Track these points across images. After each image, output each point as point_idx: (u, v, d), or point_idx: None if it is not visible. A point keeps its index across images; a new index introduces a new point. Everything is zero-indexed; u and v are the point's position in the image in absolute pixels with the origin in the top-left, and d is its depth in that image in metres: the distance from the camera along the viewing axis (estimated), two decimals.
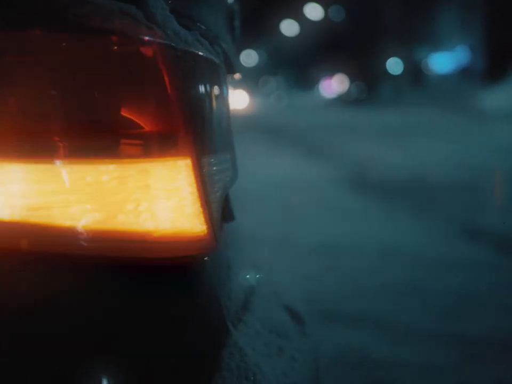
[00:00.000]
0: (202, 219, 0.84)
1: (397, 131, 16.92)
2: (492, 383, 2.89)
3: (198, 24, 1.02)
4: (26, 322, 0.77)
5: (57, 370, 0.77)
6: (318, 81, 60.63)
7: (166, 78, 0.80)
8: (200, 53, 0.90)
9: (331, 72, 58.58)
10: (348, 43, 53.06)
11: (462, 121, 20.38)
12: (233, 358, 0.86)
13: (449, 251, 5.05)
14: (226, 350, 0.86)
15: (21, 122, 0.76)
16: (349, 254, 4.95)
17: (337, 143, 14.40)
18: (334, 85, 58.79)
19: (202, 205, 0.83)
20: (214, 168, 0.90)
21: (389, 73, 49.66)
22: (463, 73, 38.98)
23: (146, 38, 0.80)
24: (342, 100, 48.57)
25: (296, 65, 63.40)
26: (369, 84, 50.06)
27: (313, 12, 60.48)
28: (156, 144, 0.81)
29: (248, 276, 1.17)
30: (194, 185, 0.83)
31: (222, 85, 0.98)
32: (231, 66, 1.16)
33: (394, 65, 49.88)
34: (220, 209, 0.92)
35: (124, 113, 0.79)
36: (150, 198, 0.81)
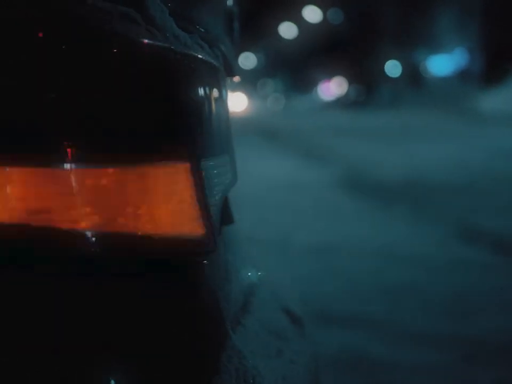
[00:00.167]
0: (202, 222, 0.83)
1: (395, 133, 16.94)
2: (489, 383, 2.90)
3: (197, 26, 1.02)
4: (26, 325, 0.77)
5: (55, 371, 0.77)
6: (316, 84, 60.66)
7: (165, 81, 0.80)
8: (199, 56, 0.90)
9: (329, 75, 58.63)
10: (347, 46, 53.09)
11: (460, 123, 20.40)
12: (232, 361, 0.86)
13: (447, 252, 5.06)
14: (225, 352, 0.86)
15: (20, 124, 0.76)
16: (347, 256, 4.95)
17: (336, 146, 14.41)
18: (332, 88, 58.83)
19: (201, 208, 0.83)
20: (214, 171, 0.89)
21: (387, 76, 49.70)
22: (461, 76, 39.02)
23: (146, 40, 0.80)
24: (341, 103, 48.62)
25: (295, 68, 63.41)
26: (367, 86, 50.10)
27: (312, 14, 60.53)
28: (154, 147, 0.81)
29: (246, 278, 1.17)
30: (194, 188, 0.83)
31: (221, 88, 0.98)
32: (230, 69, 1.16)
33: (392, 67, 49.92)
34: (219, 212, 0.92)
35: (123, 116, 0.79)
36: (149, 201, 0.81)
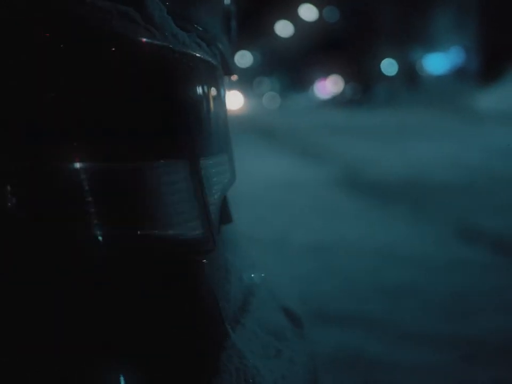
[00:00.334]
0: (201, 221, 0.83)
1: (392, 132, 16.93)
2: None
3: (195, 25, 1.01)
4: (28, 323, 0.77)
5: (57, 371, 0.77)
6: (312, 82, 60.65)
7: (164, 80, 0.80)
8: (198, 55, 0.90)
9: (325, 73, 58.62)
10: (343, 44, 53.09)
11: (456, 121, 20.41)
12: (232, 360, 0.86)
13: (446, 251, 5.05)
14: (225, 352, 0.86)
15: (20, 124, 0.76)
16: (345, 255, 4.95)
17: (332, 144, 14.41)
18: (328, 86, 58.84)
19: (200, 207, 0.83)
20: (212, 170, 0.89)
21: (383, 74, 49.70)
22: (458, 74, 39.03)
23: (145, 39, 0.80)
24: (337, 101, 48.61)
25: (291, 66, 63.40)
26: (363, 84, 50.11)
27: (308, 12, 60.52)
28: (153, 146, 0.80)
29: (245, 277, 1.17)
30: (192, 187, 0.83)
31: (219, 86, 0.98)
32: (228, 67, 1.16)
33: (388, 66, 49.93)
34: (218, 211, 0.92)
35: (121, 115, 0.79)
36: (148, 200, 0.81)
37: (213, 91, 0.93)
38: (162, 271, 0.83)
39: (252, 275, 1.23)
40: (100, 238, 0.79)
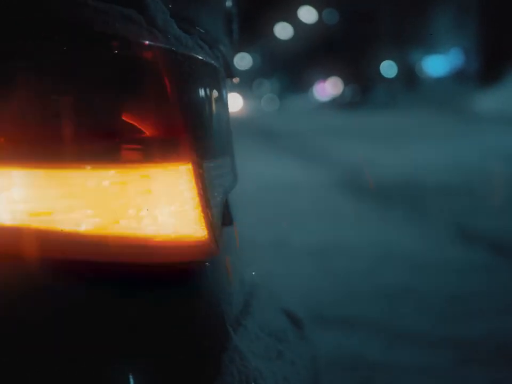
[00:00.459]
0: (203, 224, 0.83)
1: (391, 134, 16.93)
2: None
3: (197, 27, 1.02)
4: (28, 326, 0.77)
5: (60, 372, 0.77)
6: (312, 84, 60.64)
7: (167, 83, 0.80)
8: (200, 57, 0.90)
9: (325, 75, 58.60)
10: (342, 46, 53.08)
11: (456, 123, 20.40)
12: (234, 362, 0.86)
13: (443, 254, 5.05)
14: (227, 354, 0.86)
15: (23, 127, 0.76)
16: (343, 257, 4.95)
17: (331, 146, 14.40)
18: (328, 88, 58.82)
19: (203, 210, 0.83)
20: (215, 172, 0.89)
21: (383, 76, 49.70)
22: (457, 76, 39.03)
23: (148, 42, 0.80)
24: (336, 103, 48.60)
25: (290, 68, 63.38)
26: (363, 86, 50.10)
27: (307, 15, 60.52)
28: (157, 149, 0.80)
29: (246, 279, 1.17)
30: (195, 190, 0.83)
31: (221, 89, 0.98)
32: (230, 70, 1.16)
33: (388, 68, 49.93)
34: (220, 213, 0.92)
35: (125, 118, 0.79)
36: (151, 203, 0.81)
37: (216, 94, 0.93)
38: (166, 273, 0.83)
39: (253, 277, 1.23)
40: (102, 239, 0.79)
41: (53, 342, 0.78)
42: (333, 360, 3.01)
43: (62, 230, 0.78)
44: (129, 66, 0.79)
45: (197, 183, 0.83)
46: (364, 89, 49.62)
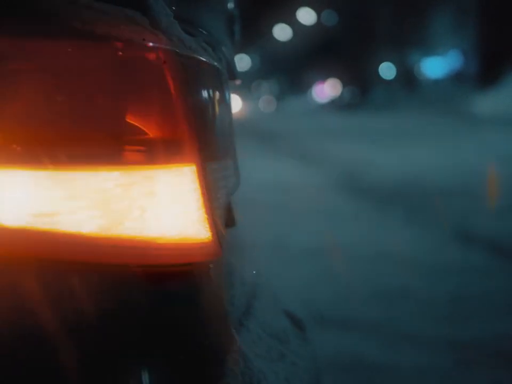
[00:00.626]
0: (207, 225, 0.83)
1: (390, 136, 16.93)
2: None
3: (200, 29, 1.02)
4: (31, 327, 0.77)
5: (63, 371, 0.77)
6: (310, 86, 60.64)
7: (170, 85, 0.80)
8: (204, 59, 0.90)
9: (324, 77, 58.61)
10: (341, 48, 53.08)
11: (454, 125, 20.41)
12: (237, 364, 0.86)
13: (442, 256, 5.06)
14: (231, 355, 0.86)
15: (27, 129, 0.76)
16: (343, 259, 4.95)
17: (330, 148, 14.40)
18: (326, 90, 58.82)
19: (207, 211, 0.83)
20: (218, 174, 0.90)
21: (381, 78, 49.72)
22: (456, 78, 39.05)
23: (152, 44, 0.80)
24: (335, 105, 48.62)
25: (289, 70, 63.38)
26: (362, 88, 50.12)
27: (306, 16, 60.51)
28: (160, 150, 0.81)
29: (248, 281, 1.17)
30: (199, 191, 0.83)
31: (224, 91, 0.98)
32: (232, 72, 1.16)
33: (386, 69, 49.94)
34: (223, 215, 0.92)
35: (129, 119, 0.79)
36: (155, 204, 0.81)
37: (219, 95, 0.93)
38: (169, 275, 0.83)
39: (254, 278, 1.23)
40: (106, 240, 0.79)
41: (55, 343, 0.78)
42: (333, 361, 3.01)
43: (66, 231, 0.78)
44: (133, 68, 0.79)
45: (200, 185, 0.83)
46: (362, 90, 49.65)
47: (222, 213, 0.91)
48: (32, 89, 0.77)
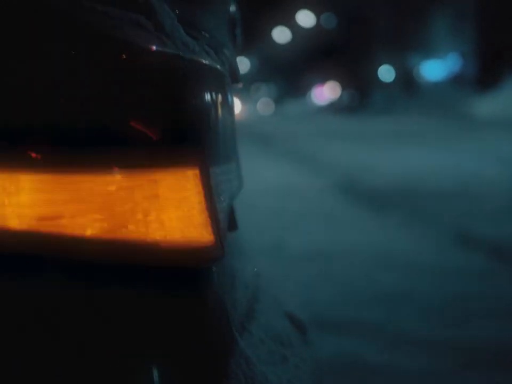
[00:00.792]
0: (210, 229, 0.84)
1: (389, 138, 16.95)
2: None
3: (203, 32, 1.02)
4: (36, 329, 0.77)
5: (63, 371, 0.77)
6: (309, 89, 60.70)
7: (174, 88, 0.80)
8: (207, 63, 0.90)
9: (323, 80, 58.69)
10: (340, 50, 53.15)
11: (453, 128, 20.43)
12: (240, 367, 0.86)
13: (442, 258, 5.06)
14: (234, 358, 0.86)
15: (32, 132, 0.76)
16: (343, 262, 4.95)
17: (329, 150, 14.41)
18: (325, 92, 58.90)
19: (210, 215, 0.83)
20: (221, 177, 0.90)
21: (380, 81, 49.79)
22: (455, 81, 39.11)
23: (155, 47, 0.81)
24: (334, 107, 48.69)
25: (288, 72, 63.45)
26: (361, 91, 50.19)
27: (305, 19, 60.59)
28: (164, 154, 0.81)
29: (250, 284, 1.17)
30: (203, 194, 0.83)
31: (227, 94, 0.98)
32: (235, 75, 1.16)
33: (386, 72, 50.01)
34: (226, 218, 0.92)
35: (132, 123, 0.79)
36: (159, 207, 0.81)
37: (222, 99, 0.93)
38: (172, 278, 0.83)
39: (256, 281, 1.23)
40: (109, 243, 0.80)
41: (59, 344, 0.78)
42: (334, 364, 3.02)
43: (69, 234, 0.78)
44: (137, 71, 0.80)
45: (204, 188, 0.83)
46: (361, 93, 49.72)
47: (226, 216, 0.91)
48: (34, 92, 0.77)
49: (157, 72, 0.80)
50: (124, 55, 0.78)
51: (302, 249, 5.38)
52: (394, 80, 48.07)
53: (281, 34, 64.37)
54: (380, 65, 49.78)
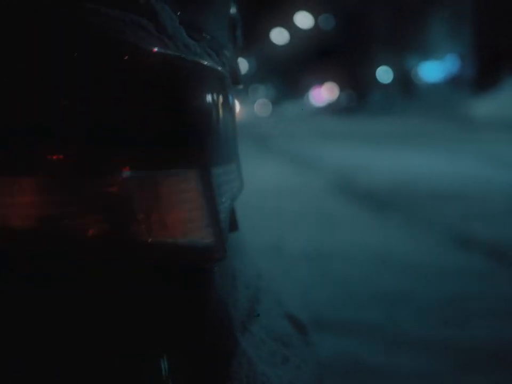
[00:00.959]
0: (212, 229, 0.84)
1: (387, 140, 16.95)
2: None
3: (204, 34, 1.02)
4: (38, 330, 0.78)
5: (63, 372, 0.77)
6: (307, 90, 60.67)
7: (176, 90, 0.81)
8: (209, 65, 0.90)
9: (321, 81, 58.66)
10: (338, 52, 53.12)
11: (451, 129, 20.43)
12: (242, 367, 0.86)
13: (440, 259, 5.06)
14: (235, 359, 0.87)
15: (34, 133, 0.77)
16: (341, 262, 4.95)
17: (327, 151, 14.40)
18: (323, 94, 58.87)
19: (211, 215, 0.84)
20: (222, 178, 0.90)
21: (378, 82, 49.77)
22: (453, 82, 39.09)
23: (157, 49, 0.81)
24: (332, 109, 48.66)
25: (286, 74, 63.41)
26: (359, 92, 50.18)
27: (303, 20, 60.56)
28: (165, 155, 0.81)
29: (251, 284, 1.18)
30: (204, 195, 0.83)
31: (229, 96, 0.99)
32: (236, 76, 1.17)
33: (384, 73, 49.99)
34: (228, 219, 0.92)
35: (134, 124, 0.80)
36: (160, 208, 0.81)
37: (223, 100, 0.94)
38: (174, 278, 0.83)
39: (256, 282, 1.23)
40: (111, 244, 0.80)
41: (58, 345, 0.78)
42: (333, 364, 3.02)
43: (71, 235, 0.79)
44: (139, 73, 0.80)
45: (205, 189, 0.83)
46: (359, 94, 49.70)
47: (227, 216, 0.92)
48: (37, 94, 0.77)
49: (159, 73, 0.80)
50: (126, 56, 0.79)
51: (302, 249, 5.38)
52: (392, 82, 48.04)
53: (279, 36, 64.35)
54: (378, 66, 49.77)
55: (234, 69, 1.16)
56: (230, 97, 1.01)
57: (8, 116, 0.76)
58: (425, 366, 3.09)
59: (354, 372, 3.04)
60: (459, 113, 26.77)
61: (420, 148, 14.18)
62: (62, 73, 0.77)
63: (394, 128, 21.52)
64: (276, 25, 62.68)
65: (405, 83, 45.03)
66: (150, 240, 0.81)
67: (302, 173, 11.24)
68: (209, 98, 0.88)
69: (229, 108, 0.99)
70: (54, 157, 0.77)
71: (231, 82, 1.08)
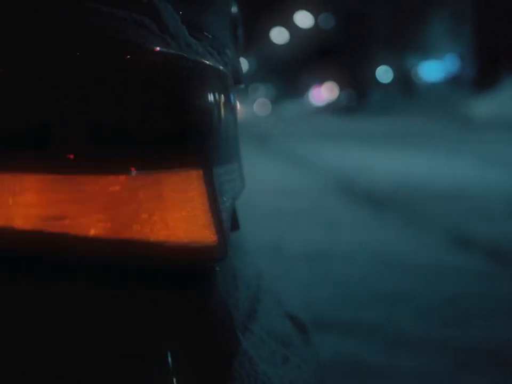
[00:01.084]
0: (214, 229, 0.84)
1: (387, 139, 16.96)
2: None
3: (206, 33, 1.02)
4: (40, 330, 0.78)
5: (63, 372, 0.77)
6: (307, 89, 60.71)
7: (178, 89, 0.81)
8: (211, 64, 0.90)
9: (321, 80, 58.72)
10: (338, 51, 53.16)
11: (451, 129, 20.44)
12: (243, 367, 0.86)
13: (439, 259, 5.06)
14: (237, 358, 0.87)
15: (36, 133, 0.77)
16: (341, 263, 4.96)
17: (327, 151, 14.42)
18: (323, 93, 58.92)
19: (213, 215, 0.84)
20: (224, 178, 0.90)
21: (378, 81, 49.82)
22: (453, 82, 39.13)
23: (159, 48, 0.81)
24: (332, 108, 48.70)
25: (286, 73, 63.46)
26: (359, 91, 50.22)
27: (303, 19, 60.61)
28: (167, 154, 0.81)
29: (252, 284, 1.18)
30: (206, 195, 0.83)
31: (231, 95, 0.99)
32: (238, 76, 1.17)
33: (384, 73, 50.03)
34: (229, 218, 0.92)
35: (136, 123, 0.80)
36: (162, 208, 0.81)
37: (225, 100, 0.93)
38: (176, 278, 0.83)
39: (257, 281, 1.23)
40: (113, 244, 0.80)
41: (60, 344, 0.78)
42: (334, 364, 3.02)
43: (74, 235, 0.79)
44: (140, 72, 0.80)
45: (207, 188, 0.83)
46: (359, 94, 49.75)
47: (228, 216, 0.92)
48: (38, 93, 0.77)
49: (160, 72, 0.80)
50: (127, 55, 0.79)
51: (302, 249, 5.39)
52: (392, 81, 48.09)
53: (279, 35, 64.39)
54: (378, 65, 49.81)
55: (236, 68, 1.16)
56: (232, 97, 1.01)
57: (9, 115, 0.76)
58: (425, 366, 3.09)
59: (354, 372, 3.04)
60: (459, 113, 26.79)
61: (419, 148, 14.19)
62: (63, 72, 0.77)
63: (394, 128, 21.53)
64: (276, 24, 62.73)
65: (405, 83, 45.07)
66: (151, 239, 0.81)
67: (302, 172, 11.25)
68: (211, 97, 0.88)
69: (231, 107, 0.99)
70: (55, 157, 0.77)
71: (233, 82, 1.08)
